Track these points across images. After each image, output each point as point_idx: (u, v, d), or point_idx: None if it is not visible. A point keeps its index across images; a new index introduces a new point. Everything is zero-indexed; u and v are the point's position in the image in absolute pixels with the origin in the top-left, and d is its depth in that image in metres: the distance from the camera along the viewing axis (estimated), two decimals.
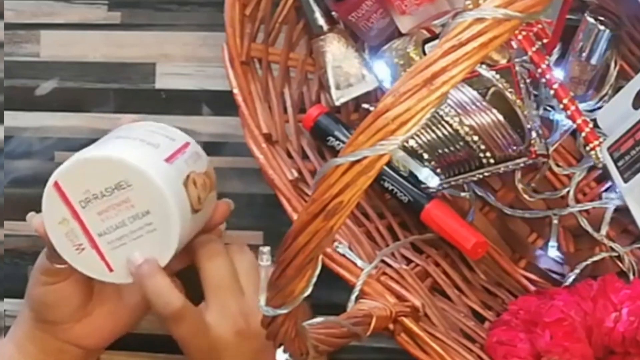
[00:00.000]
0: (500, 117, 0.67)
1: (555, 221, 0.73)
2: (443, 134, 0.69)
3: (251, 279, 0.69)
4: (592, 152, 0.69)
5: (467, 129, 0.68)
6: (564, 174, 0.74)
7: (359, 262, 0.67)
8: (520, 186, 0.73)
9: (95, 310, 0.72)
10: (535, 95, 0.72)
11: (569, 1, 0.68)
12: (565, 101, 0.69)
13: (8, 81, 0.84)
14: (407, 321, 0.64)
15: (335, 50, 0.75)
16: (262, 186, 0.74)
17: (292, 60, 0.77)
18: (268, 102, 0.74)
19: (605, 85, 0.72)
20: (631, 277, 0.71)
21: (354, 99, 0.76)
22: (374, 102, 0.75)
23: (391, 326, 0.64)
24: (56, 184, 0.64)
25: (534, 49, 0.70)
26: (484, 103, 0.67)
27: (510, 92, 0.68)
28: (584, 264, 0.72)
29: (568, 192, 0.73)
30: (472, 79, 0.68)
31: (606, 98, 0.72)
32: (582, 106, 0.71)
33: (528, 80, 0.71)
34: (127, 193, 0.64)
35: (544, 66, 0.70)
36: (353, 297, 0.65)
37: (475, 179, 0.71)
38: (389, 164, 0.46)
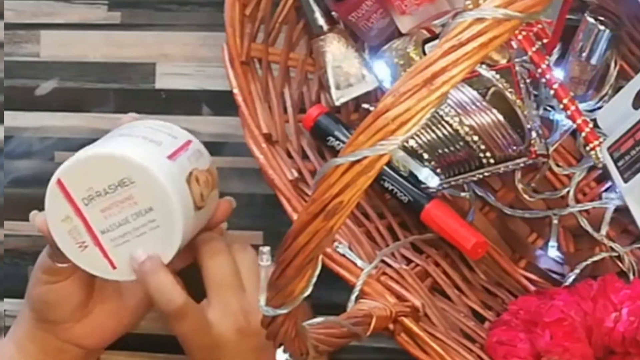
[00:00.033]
0: (500, 117, 0.67)
1: (555, 221, 0.73)
2: (443, 134, 0.69)
3: (253, 278, 0.69)
4: (592, 152, 0.69)
5: (467, 129, 0.68)
6: (564, 174, 0.74)
7: (359, 262, 0.67)
8: (520, 186, 0.73)
9: (95, 310, 0.72)
10: (535, 95, 0.72)
11: (569, 1, 0.68)
12: (565, 101, 0.69)
13: (8, 81, 0.84)
14: (407, 321, 0.64)
15: (335, 50, 0.75)
16: (262, 186, 0.74)
17: (292, 60, 0.77)
18: (268, 102, 0.74)
19: (605, 85, 0.72)
20: (631, 277, 0.71)
21: (354, 99, 0.76)
22: (374, 102, 0.75)
23: (391, 326, 0.64)
24: (59, 182, 0.64)
25: (534, 49, 0.70)
26: (484, 103, 0.67)
27: (510, 92, 0.68)
28: (584, 264, 0.72)
29: (568, 192, 0.73)
30: (472, 79, 0.68)
31: (606, 98, 0.72)
32: (582, 106, 0.71)
33: (528, 80, 0.71)
34: (130, 190, 0.64)
35: (544, 66, 0.70)
36: (353, 297, 0.65)
37: (475, 179, 0.71)
38: (389, 164, 0.46)
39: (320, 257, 0.45)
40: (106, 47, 0.83)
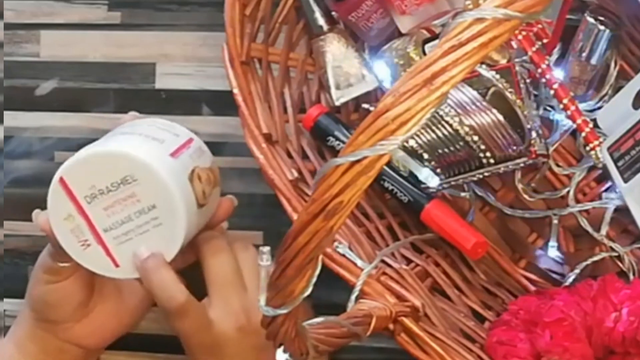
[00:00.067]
0: (500, 117, 0.67)
1: (555, 221, 0.73)
2: (443, 134, 0.69)
3: (254, 276, 0.69)
4: (592, 152, 0.69)
5: (467, 129, 0.68)
6: (564, 174, 0.74)
7: (359, 262, 0.67)
8: (520, 186, 0.73)
9: (96, 310, 0.72)
10: (535, 95, 0.72)
11: (569, 1, 0.68)
12: (565, 101, 0.69)
13: (8, 81, 0.84)
14: (407, 321, 0.64)
15: (335, 50, 0.75)
16: (262, 186, 0.74)
17: (292, 60, 0.77)
18: (268, 102, 0.74)
19: (605, 85, 0.72)
20: (631, 277, 0.71)
21: (354, 99, 0.76)
22: (374, 102, 0.75)
23: (391, 326, 0.64)
24: (62, 180, 0.64)
25: (534, 49, 0.70)
26: (484, 103, 0.67)
27: (510, 92, 0.68)
28: (584, 264, 0.72)
29: (568, 192, 0.73)
30: (472, 79, 0.68)
31: (606, 98, 0.72)
32: (582, 106, 0.71)
33: (528, 80, 0.71)
34: (132, 188, 0.64)
35: (544, 66, 0.70)
36: (353, 297, 0.65)
37: (475, 179, 0.71)
38: (389, 164, 0.46)
39: (320, 257, 0.45)
40: (106, 47, 0.83)
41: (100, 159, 0.64)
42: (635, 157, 0.67)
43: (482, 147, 0.68)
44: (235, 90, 0.71)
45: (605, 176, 0.72)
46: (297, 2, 0.76)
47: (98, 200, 0.64)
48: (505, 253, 0.75)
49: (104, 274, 0.66)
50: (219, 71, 0.74)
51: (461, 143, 0.69)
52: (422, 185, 0.72)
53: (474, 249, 0.70)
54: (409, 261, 0.73)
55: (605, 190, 0.73)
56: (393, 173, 0.73)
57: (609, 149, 0.69)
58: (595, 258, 0.72)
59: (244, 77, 0.72)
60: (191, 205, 0.65)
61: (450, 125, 0.68)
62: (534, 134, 0.69)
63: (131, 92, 0.82)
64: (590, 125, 0.70)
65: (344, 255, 0.67)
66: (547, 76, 0.69)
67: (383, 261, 0.69)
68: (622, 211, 0.71)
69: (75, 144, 0.73)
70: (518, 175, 0.73)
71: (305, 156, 0.75)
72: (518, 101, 0.68)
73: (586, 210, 0.73)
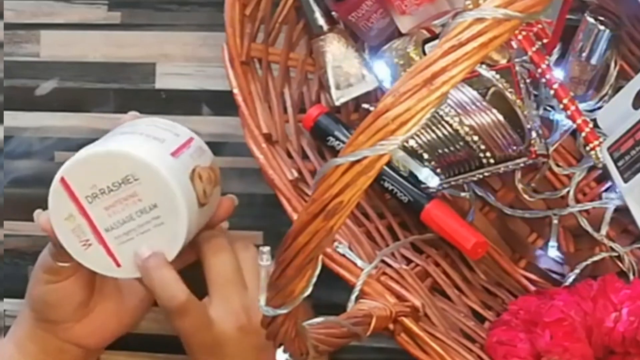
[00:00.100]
0: (500, 117, 0.67)
1: (555, 221, 0.73)
2: (443, 134, 0.69)
3: (255, 276, 0.69)
4: (592, 152, 0.69)
5: (467, 129, 0.68)
6: (564, 174, 0.74)
7: (359, 262, 0.67)
8: (520, 186, 0.73)
9: (96, 310, 0.72)
10: (535, 95, 0.72)
11: (569, 1, 0.68)
12: (565, 101, 0.69)
13: (8, 81, 0.84)
14: (407, 321, 0.64)
15: (335, 50, 0.75)
16: (262, 186, 0.74)
17: (292, 60, 0.77)
18: (268, 102, 0.74)
19: (605, 85, 0.72)
20: (631, 277, 0.71)
21: (354, 99, 0.76)
22: (374, 102, 0.75)
23: (391, 326, 0.64)
24: (63, 180, 0.64)
25: (534, 49, 0.70)
26: (484, 103, 0.67)
27: (510, 92, 0.68)
28: (584, 264, 0.72)
29: (568, 192, 0.73)
30: (472, 79, 0.68)
31: (606, 98, 0.72)
32: (582, 106, 0.71)
33: (528, 80, 0.71)
34: (134, 187, 0.64)
35: (544, 66, 0.70)
36: (353, 297, 0.65)
37: (475, 179, 0.71)
38: (389, 164, 0.46)
39: (320, 257, 0.45)
40: (106, 47, 0.83)
41: (101, 159, 0.64)
42: (635, 157, 0.67)
43: (482, 147, 0.68)
44: (235, 90, 0.71)
45: (605, 176, 0.72)
46: (297, 2, 0.76)
47: (99, 200, 0.64)
48: (505, 253, 0.75)
49: (106, 273, 0.66)
50: (219, 71, 0.74)
51: (461, 143, 0.69)
52: (422, 185, 0.72)
53: (474, 249, 0.70)
54: (409, 261, 0.73)
55: (605, 190, 0.73)
56: (393, 173, 0.73)
57: (609, 149, 0.69)
58: (595, 258, 0.72)
59: (244, 77, 0.72)
60: (192, 205, 0.65)
61: (450, 125, 0.68)
62: (534, 134, 0.69)
63: (131, 92, 0.82)
64: (590, 125, 0.70)
65: (344, 255, 0.67)
66: (547, 76, 0.69)
67: (383, 261, 0.69)
68: (622, 211, 0.71)
69: (75, 144, 0.72)
70: (518, 175, 0.73)
71: (305, 156, 0.75)
72: (518, 101, 0.68)
73: (586, 210, 0.73)
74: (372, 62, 0.75)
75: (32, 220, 0.69)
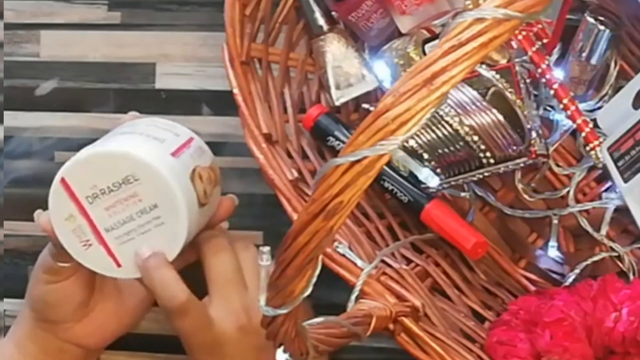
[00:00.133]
0: (500, 117, 0.67)
1: (555, 221, 0.73)
2: (443, 134, 0.69)
3: (255, 276, 0.69)
4: (592, 152, 0.69)
5: (467, 129, 0.68)
6: (564, 174, 0.74)
7: (359, 262, 0.67)
8: (520, 186, 0.73)
9: (96, 310, 0.72)
10: (535, 95, 0.72)
11: (569, 1, 0.68)
12: (565, 101, 0.69)
13: (8, 81, 0.84)
14: (407, 321, 0.64)
15: (335, 50, 0.75)
16: (262, 186, 0.74)
17: (292, 60, 0.77)
18: (268, 102, 0.74)
19: (605, 85, 0.72)
20: (631, 277, 0.71)
21: (354, 99, 0.76)
22: (374, 102, 0.75)
23: (391, 326, 0.64)
24: (63, 180, 0.64)
25: (534, 49, 0.70)
26: (484, 103, 0.67)
27: (510, 92, 0.68)
28: (584, 264, 0.72)
29: (568, 192, 0.73)
30: (472, 79, 0.68)
31: (606, 98, 0.72)
32: (582, 106, 0.71)
33: (528, 80, 0.71)
34: (134, 187, 0.64)
35: (544, 66, 0.70)
36: (353, 297, 0.65)
37: (475, 179, 0.71)
38: (389, 164, 0.46)
39: (320, 257, 0.45)
40: (106, 47, 0.83)
41: (102, 159, 0.65)
42: (635, 157, 0.67)
43: (482, 147, 0.68)
44: (235, 90, 0.71)
45: (605, 176, 0.72)
46: (297, 2, 0.76)
47: (99, 200, 0.64)
48: (505, 253, 0.75)
49: (106, 274, 0.66)
50: (219, 71, 0.74)
51: (461, 143, 0.69)
52: (422, 185, 0.72)
53: (474, 249, 0.70)
54: (409, 261, 0.73)
55: (605, 190, 0.73)
56: (393, 173, 0.73)
57: (609, 149, 0.69)
58: (595, 258, 0.72)
59: (244, 77, 0.72)
60: (193, 205, 0.65)
61: (450, 125, 0.68)
62: (534, 134, 0.69)
63: (131, 92, 0.82)
64: (590, 125, 0.70)
65: (344, 255, 0.67)
66: (547, 76, 0.69)
67: (383, 261, 0.69)
68: (622, 211, 0.71)
69: (76, 144, 0.73)
70: (518, 175, 0.73)
71: (305, 156, 0.75)
72: (518, 101, 0.68)
73: (586, 210, 0.73)
74: (372, 62, 0.75)
75: (32, 220, 0.69)
